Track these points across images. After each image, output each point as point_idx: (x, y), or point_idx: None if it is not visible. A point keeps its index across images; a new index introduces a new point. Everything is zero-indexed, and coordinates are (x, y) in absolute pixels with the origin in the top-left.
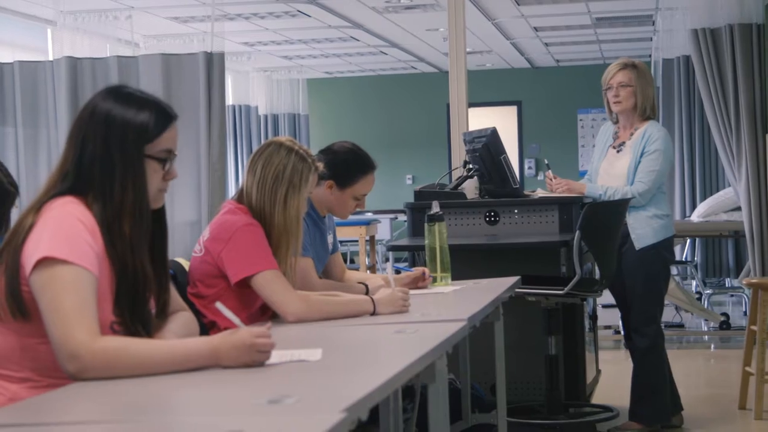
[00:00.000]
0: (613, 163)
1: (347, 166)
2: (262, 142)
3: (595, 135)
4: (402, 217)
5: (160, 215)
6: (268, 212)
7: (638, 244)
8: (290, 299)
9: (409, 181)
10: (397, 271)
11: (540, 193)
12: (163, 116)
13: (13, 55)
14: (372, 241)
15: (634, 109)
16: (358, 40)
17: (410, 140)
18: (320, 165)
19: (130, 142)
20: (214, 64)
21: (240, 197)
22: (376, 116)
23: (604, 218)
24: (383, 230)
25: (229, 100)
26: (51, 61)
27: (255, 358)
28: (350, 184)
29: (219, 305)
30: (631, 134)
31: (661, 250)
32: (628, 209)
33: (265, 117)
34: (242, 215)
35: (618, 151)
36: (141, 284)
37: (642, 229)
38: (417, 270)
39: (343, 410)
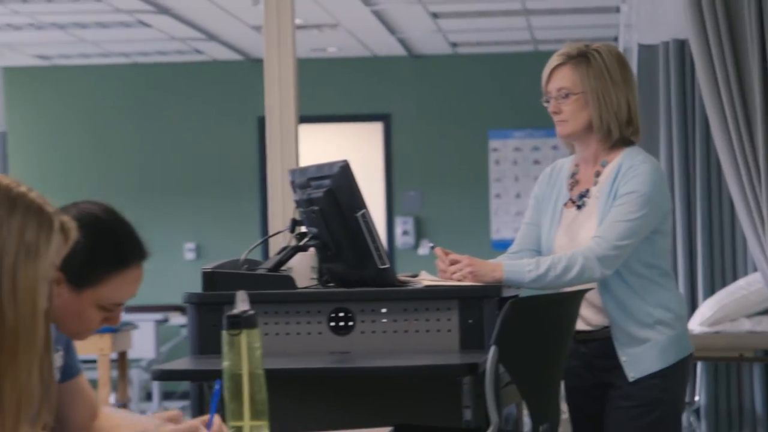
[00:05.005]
0: (576, 233)
1: (87, 252)
2: None
3: (520, 177)
4: (177, 319)
5: None
6: None
7: (633, 372)
8: None
9: (191, 255)
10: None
11: (426, 278)
12: None
13: None
14: (122, 361)
15: (589, 130)
16: (98, 0)
17: (193, 181)
18: (67, 220)
19: None
20: None
21: None
22: (130, 135)
23: (540, 324)
24: (143, 342)
25: None
26: None
27: None
28: (93, 283)
29: None
30: (597, 174)
31: (673, 384)
32: (607, 298)
33: None
34: None
35: (579, 207)
36: None
37: (638, 345)
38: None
39: None
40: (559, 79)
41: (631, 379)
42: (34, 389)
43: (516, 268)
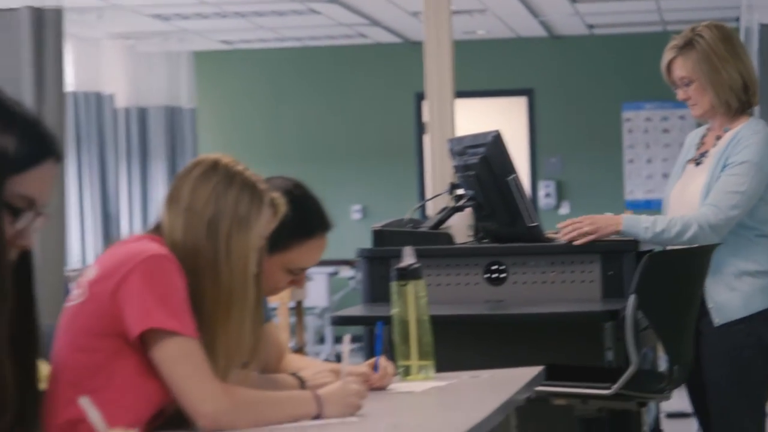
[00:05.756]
0: (687, 185)
1: (279, 221)
2: (122, 149)
3: (651, 144)
4: (346, 272)
5: (23, 282)
6: (206, 254)
7: (718, 318)
8: (211, 391)
9: (357, 215)
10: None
11: None
12: (38, 146)
13: None
14: (299, 310)
15: (713, 108)
16: None
17: (358, 150)
18: (277, 197)
19: None
20: (46, 26)
21: (155, 233)
22: (303, 111)
23: (675, 275)
24: (317, 292)
25: (68, 85)
26: None
27: None
28: (281, 249)
29: (85, 402)
30: (718, 138)
31: (757, 329)
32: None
33: (127, 111)
34: (155, 244)
35: (697, 164)
36: None
37: (724, 293)
38: (366, 366)
39: None
40: (677, 70)
41: (716, 325)
42: (244, 342)
43: (634, 222)
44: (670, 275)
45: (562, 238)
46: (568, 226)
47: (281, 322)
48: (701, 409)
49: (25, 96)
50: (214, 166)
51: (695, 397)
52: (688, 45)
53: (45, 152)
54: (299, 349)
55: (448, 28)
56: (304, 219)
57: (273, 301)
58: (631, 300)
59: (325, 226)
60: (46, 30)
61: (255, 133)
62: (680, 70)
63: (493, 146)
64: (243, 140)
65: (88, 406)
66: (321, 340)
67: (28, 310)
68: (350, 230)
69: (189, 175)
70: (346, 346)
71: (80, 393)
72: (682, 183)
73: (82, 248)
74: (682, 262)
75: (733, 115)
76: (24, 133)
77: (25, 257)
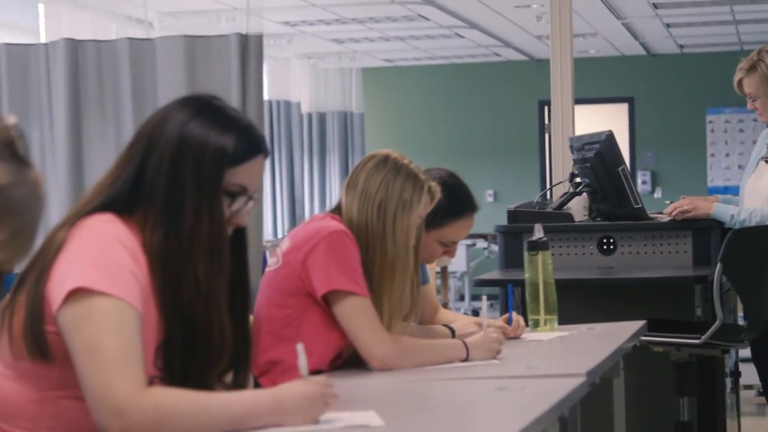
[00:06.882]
0: (759, 179)
1: (437, 203)
2: (305, 146)
3: (729, 141)
4: (481, 243)
5: (239, 252)
6: (376, 230)
7: None
8: (381, 340)
9: (490, 198)
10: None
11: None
12: (251, 145)
13: None
14: (444, 273)
15: None
16: (427, 19)
17: (491, 146)
18: (434, 185)
19: (207, 163)
20: (249, 49)
21: (335, 213)
22: (449, 115)
23: (753, 248)
24: (458, 260)
25: (265, 95)
26: (45, 44)
27: (322, 411)
28: (437, 226)
29: (300, 347)
30: None
31: None
32: None
33: (309, 116)
34: (335, 222)
35: (767, 162)
36: (214, 342)
37: None
38: (501, 319)
39: None
40: (745, 87)
41: None
42: (405, 300)
43: (723, 209)
44: (750, 247)
45: (665, 216)
46: (679, 203)
47: (430, 283)
48: (762, 361)
49: (233, 103)
50: (385, 160)
51: (757, 351)
52: (752, 68)
53: (256, 150)
54: (444, 305)
55: (570, 49)
56: (456, 201)
57: None
58: (718, 267)
59: (473, 207)
60: (249, 52)
61: (411, 133)
62: (747, 87)
63: (606, 143)
64: (401, 138)
65: (300, 352)
66: (461, 298)
67: (242, 274)
68: (484, 210)
69: (365, 166)
70: (484, 304)
71: (277, 340)
72: (755, 176)
73: (274, 224)
74: (760, 237)
75: None
76: (241, 134)
77: (240, 233)
